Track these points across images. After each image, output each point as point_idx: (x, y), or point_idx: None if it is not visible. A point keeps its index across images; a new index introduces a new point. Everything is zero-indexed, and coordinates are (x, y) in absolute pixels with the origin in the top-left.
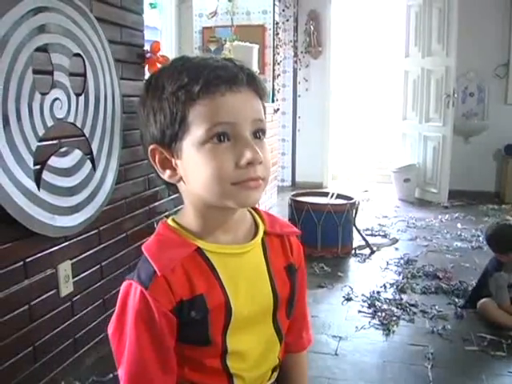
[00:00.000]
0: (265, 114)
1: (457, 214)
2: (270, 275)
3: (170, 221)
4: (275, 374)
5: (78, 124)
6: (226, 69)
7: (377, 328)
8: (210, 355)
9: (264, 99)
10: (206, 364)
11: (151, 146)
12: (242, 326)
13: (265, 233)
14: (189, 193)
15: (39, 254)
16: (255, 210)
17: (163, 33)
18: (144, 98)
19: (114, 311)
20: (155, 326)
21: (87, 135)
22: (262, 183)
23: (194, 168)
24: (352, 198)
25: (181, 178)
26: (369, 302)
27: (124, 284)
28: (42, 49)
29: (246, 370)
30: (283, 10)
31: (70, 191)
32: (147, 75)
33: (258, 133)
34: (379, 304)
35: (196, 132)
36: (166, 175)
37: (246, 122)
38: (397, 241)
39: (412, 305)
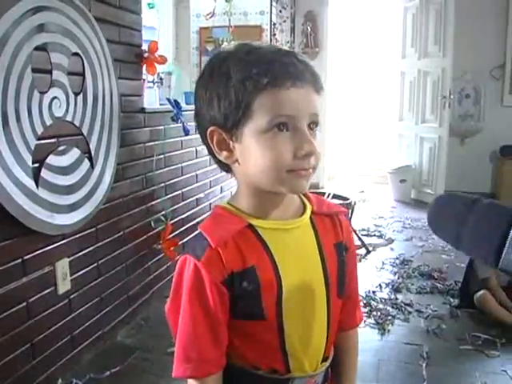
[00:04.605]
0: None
1: None
2: (320, 251)
3: (223, 203)
4: (330, 358)
5: (77, 123)
6: (295, 66)
7: (372, 327)
8: (266, 330)
9: (321, 94)
10: (262, 340)
11: (211, 128)
12: (296, 304)
13: (313, 212)
14: (243, 174)
15: (37, 252)
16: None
17: (160, 33)
18: (207, 81)
19: (110, 309)
20: (208, 299)
21: (85, 134)
22: (311, 172)
23: (253, 153)
24: (348, 199)
25: (236, 160)
26: (364, 302)
27: (180, 258)
28: (41, 48)
29: (301, 350)
30: (280, 11)
31: (69, 189)
32: (145, 74)
33: (312, 124)
34: (375, 303)
35: (259, 120)
36: (222, 156)
37: (304, 115)
38: (392, 241)
39: (407, 304)
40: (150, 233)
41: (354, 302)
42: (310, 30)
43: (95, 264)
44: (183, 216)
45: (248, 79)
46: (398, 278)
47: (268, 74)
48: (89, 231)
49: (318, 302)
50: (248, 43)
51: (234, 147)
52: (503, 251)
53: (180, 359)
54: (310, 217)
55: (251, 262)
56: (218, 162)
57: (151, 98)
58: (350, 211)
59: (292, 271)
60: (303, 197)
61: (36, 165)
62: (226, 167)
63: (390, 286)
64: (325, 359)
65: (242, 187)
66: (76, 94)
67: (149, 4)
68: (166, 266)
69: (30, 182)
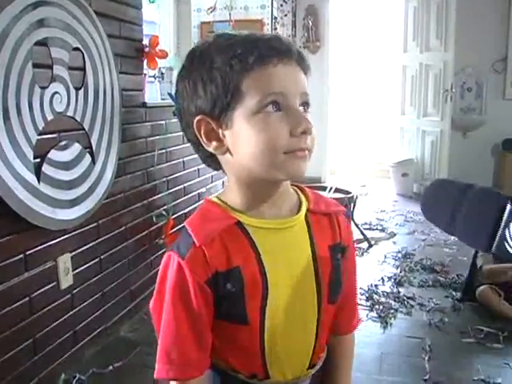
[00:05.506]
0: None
1: None
2: (313, 254)
3: (213, 197)
4: (318, 364)
5: (78, 118)
6: (280, 42)
7: (374, 321)
8: (247, 334)
9: (308, 76)
10: (243, 343)
11: (197, 118)
12: (282, 310)
13: (309, 210)
14: (235, 165)
15: (39, 247)
16: (300, 188)
17: (161, 27)
18: (189, 70)
19: (113, 304)
20: (191, 300)
21: (86, 129)
22: (307, 154)
23: (245, 138)
24: (350, 193)
25: (227, 150)
26: (367, 295)
27: (165, 256)
28: (42, 43)
29: (283, 357)
30: (281, 5)
31: (70, 184)
32: (146, 69)
33: (304, 105)
34: (377, 297)
35: (249, 102)
36: (211, 147)
37: (295, 93)
38: (395, 235)
39: (409, 298)
40: (152, 228)
41: (352, 306)
42: (311, 24)
43: (97, 259)
44: (185, 211)
45: (233, 59)
46: (401, 272)
47: (254, 51)
48: (90, 226)
49: (307, 309)
50: (225, 32)
51: (223, 136)
52: (496, 236)
53: (163, 361)
54: (306, 215)
55: (237, 262)
56: (207, 157)
57: (152, 93)
58: (352, 205)
59: (280, 275)
60: (300, 192)
61: (37, 160)
62: (214, 163)
63: (393, 280)
64: (311, 366)
65: (232, 181)
66: (77, 89)
67: None
68: None
69: (31, 177)
